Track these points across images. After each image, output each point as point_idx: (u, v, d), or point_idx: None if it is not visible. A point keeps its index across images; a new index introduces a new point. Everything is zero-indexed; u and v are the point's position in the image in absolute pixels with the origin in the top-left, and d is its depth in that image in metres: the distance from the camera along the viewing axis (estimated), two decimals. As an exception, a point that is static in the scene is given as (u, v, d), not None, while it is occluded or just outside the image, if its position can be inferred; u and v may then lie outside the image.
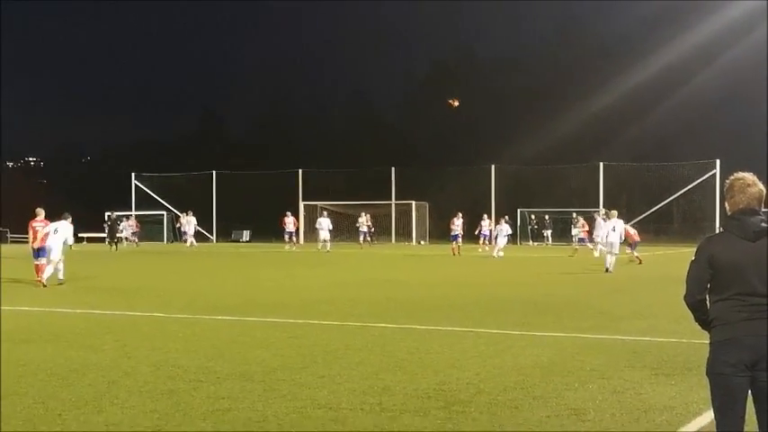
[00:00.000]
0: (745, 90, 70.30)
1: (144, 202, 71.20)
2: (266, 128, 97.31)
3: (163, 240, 68.48)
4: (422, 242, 61.76)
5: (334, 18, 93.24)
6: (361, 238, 54.80)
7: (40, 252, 24.68)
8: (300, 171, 66.77)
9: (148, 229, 69.29)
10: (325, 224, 51.07)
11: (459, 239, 44.78)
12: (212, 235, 67.66)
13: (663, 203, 60.20)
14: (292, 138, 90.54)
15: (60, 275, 24.10)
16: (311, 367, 10.56)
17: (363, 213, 56.51)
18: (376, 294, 20.57)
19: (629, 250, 35.89)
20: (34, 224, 25.31)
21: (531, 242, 61.01)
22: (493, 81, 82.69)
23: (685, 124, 71.46)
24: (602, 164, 61.60)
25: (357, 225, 56.04)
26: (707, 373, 5.43)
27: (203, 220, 64.88)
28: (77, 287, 23.32)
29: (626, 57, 75.09)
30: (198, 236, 62.22)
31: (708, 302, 5.43)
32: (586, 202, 62.81)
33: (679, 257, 41.68)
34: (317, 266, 34.26)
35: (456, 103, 65.09)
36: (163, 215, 69.89)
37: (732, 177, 5.51)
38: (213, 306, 17.73)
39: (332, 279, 26.94)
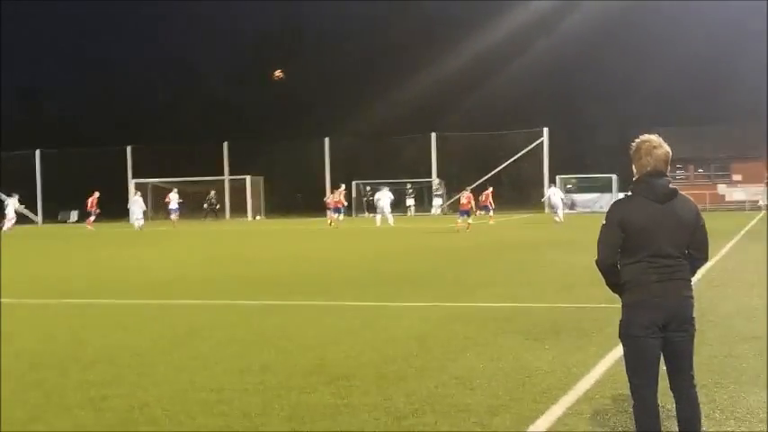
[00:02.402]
0: (573, 59, 72.68)
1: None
2: (88, 104, 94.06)
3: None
4: (257, 217, 61.21)
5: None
6: (172, 216, 53.23)
7: None
8: (129, 148, 65.11)
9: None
10: (138, 203, 50.25)
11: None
12: (38, 216, 65.19)
13: (493, 172, 61.38)
14: (118, 114, 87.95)
15: None
16: (180, 349, 10.23)
17: (174, 190, 55.00)
18: (227, 272, 20.20)
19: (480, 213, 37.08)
20: None
21: (366, 213, 61.32)
22: (323, 54, 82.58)
23: (514, 94, 73.06)
24: (434, 134, 62.50)
25: (166, 201, 54.29)
26: (620, 336, 5.45)
27: (27, 202, 62.41)
28: None
29: (456, 29, 76.15)
30: (22, 218, 59.76)
31: (619, 266, 5.42)
32: (419, 173, 63.75)
33: (512, 224, 42.87)
34: (152, 245, 33.41)
35: (280, 75, 64.23)
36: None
37: (638, 140, 5.50)
38: (59, 289, 17.00)
39: (175, 258, 26.39)
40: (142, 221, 48.72)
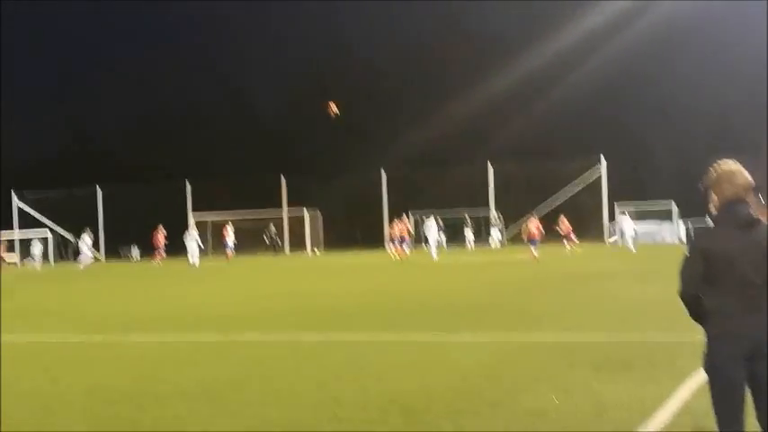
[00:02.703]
0: (625, 83, 72.06)
1: (22, 222, 69.11)
2: (143, 139, 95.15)
3: (48, 261, 66.49)
4: (316, 251, 61.45)
5: (207, 18, 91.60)
6: (228, 252, 53.73)
7: None
8: (188, 183, 65.83)
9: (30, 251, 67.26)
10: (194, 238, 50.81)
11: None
12: (101, 253, 66.01)
13: (549, 200, 61.07)
14: (173, 149, 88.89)
15: None
16: (250, 384, 10.30)
17: (229, 225, 55.63)
18: (291, 307, 20.26)
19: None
20: None
21: (424, 245, 61.22)
22: (372, 82, 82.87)
23: (567, 119, 72.67)
24: (491, 166, 62.36)
25: (223, 235, 55.03)
26: (704, 368, 5.39)
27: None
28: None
29: (504, 53, 75.96)
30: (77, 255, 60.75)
31: (702, 296, 5.37)
32: (475, 202, 63.57)
33: (569, 257, 42.53)
34: (214, 281, 33.71)
35: (334, 110, 64.69)
36: (47, 236, 67.63)
37: (718, 167, 5.46)
38: (126, 326, 17.19)
39: (240, 293, 26.56)
40: (197, 258, 49.04)
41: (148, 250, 62.70)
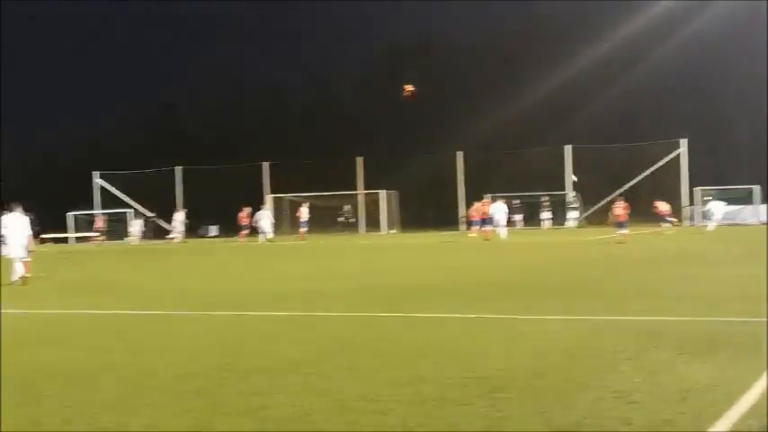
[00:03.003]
0: (706, 64, 70.65)
1: (107, 200, 70.62)
2: (222, 120, 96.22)
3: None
4: (391, 231, 61.62)
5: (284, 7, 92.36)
6: (301, 230, 55.13)
7: None
8: (267, 164, 66.37)
9: (114, 228, 68.74)
10: (265, 215, 52.26)
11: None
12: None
13: (629, 184, 60.39)
14: (251, 130, 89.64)
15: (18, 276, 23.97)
16: (333, 360, 10.35)
17: (305, 205, 57.03)
18: (369, 284, 20.39)
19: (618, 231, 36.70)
20: None
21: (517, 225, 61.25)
22: (454, 66, 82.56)
23: (647, 101, 71.66)
24: (567, 147, 61.78)
25: (298, 215, 56.63)
26: None
27: (167, 218, 64.30)
28: (61, 287, 22.99)
29: (582, 34, 74.99)
30: (163, 232, 61.83)
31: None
32: (552, 185, 63.16)
33: (653, 237, 42.08)
34: (291, 259, 34.05)
35: (411, 91, 64.73)
36: (125, 213, 69.19)
37: None
38: (208, 301, 17.43)
39: (316, 270, 26.79)
40: (270, 234, 50.22)
41: (226, 229, 63.64)
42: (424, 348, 10.89)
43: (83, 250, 52.19)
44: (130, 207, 69.57)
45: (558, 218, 61.79)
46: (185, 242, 55.78)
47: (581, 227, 58.04)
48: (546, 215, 61.37)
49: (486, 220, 45.35)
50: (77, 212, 71.39)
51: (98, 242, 60.97)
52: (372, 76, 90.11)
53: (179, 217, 57.77)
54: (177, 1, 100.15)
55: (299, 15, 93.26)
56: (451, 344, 11.18)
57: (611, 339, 11.10)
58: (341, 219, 62.24)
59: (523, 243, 40.07)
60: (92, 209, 70.87)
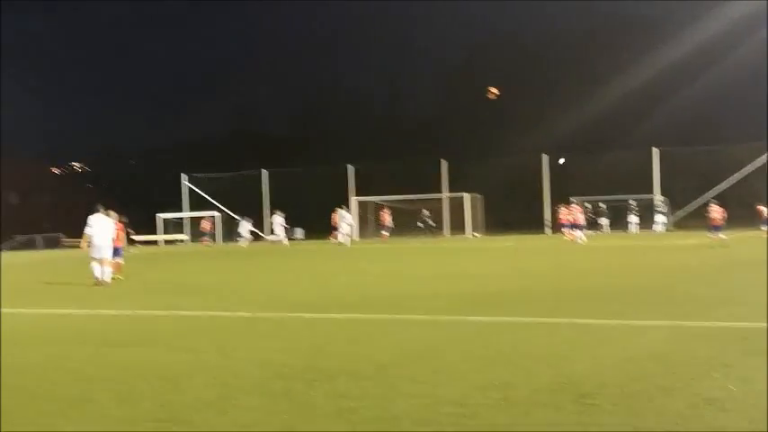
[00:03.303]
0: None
1: (194, 203, 71.77)
2: (305, 123, 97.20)
3: (216, 240, 68.88)
4: (475, 234, 61.43)
5: (365, 7, 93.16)
6: (384, 233, 55.87)
7: (117, 251, 26.39)
8: (351, 167, 66.68)
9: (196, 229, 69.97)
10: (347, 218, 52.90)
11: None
12: (264, 234, 67.63)
13: (719, 187, 59.33)
14: (333, 132, 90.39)
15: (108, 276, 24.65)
16: (419, 363, 10.35)
17: (385, 208, 58.04)
18: (453, 288, 20.34)
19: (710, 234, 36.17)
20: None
21: (588, 231, 60.41)
22: (532, 67, 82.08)
23: (731, 102, 70.30)
24: (655, 149, 60.90)
25: (382, 220, 57.55)
26: None
27: (255, 220, 65.03)
28: (150, 288, 23.39)
29: (667, 32, 73.89)
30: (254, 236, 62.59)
31: None
32: (638, 188, 62.36)
33: (742, 242, 41.20)
34: (374, 261, 34.18)
35: (495, 92, 64.65)
36: (214, 216, 70.27)
37: None
38: (294, 303, 17.57)
39: (400, 273, 26.84)
40: (341, 237, 50.68)
41: (312, 232, 64.18)
42: (510, 353, 10.83)
43: (184, 251, 53.04)
44: (217, 210, 70.57)
45: (646, 222, 60.91)
46: (283, 244, 56.54)
47: (669, 231, 57.10)
48: (634, 219, 60.54)
49: (575, 224, 44.97)
50: (166, 215, 72.69)
51: (207, 243, 61.91)
52: (456, 80, 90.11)
53: (278, 220, 58.66)
54: (261, 14, 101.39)
55: (381, 20, 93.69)
56: (539, 349, 11.08)
57: (702, 345, 10.92)
58: (420, 224, 62.32)
59: (610, 247, 39.63)
60: (180, 211, 72.06)
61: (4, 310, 18.41)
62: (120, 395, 8.99)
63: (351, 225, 54.71)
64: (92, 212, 25.58)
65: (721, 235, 36.37)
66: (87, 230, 25.05)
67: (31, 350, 12.42)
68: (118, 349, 12.22)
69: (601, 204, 62.02)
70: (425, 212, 62.73)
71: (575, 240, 42.87)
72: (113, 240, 26.14)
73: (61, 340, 13.39)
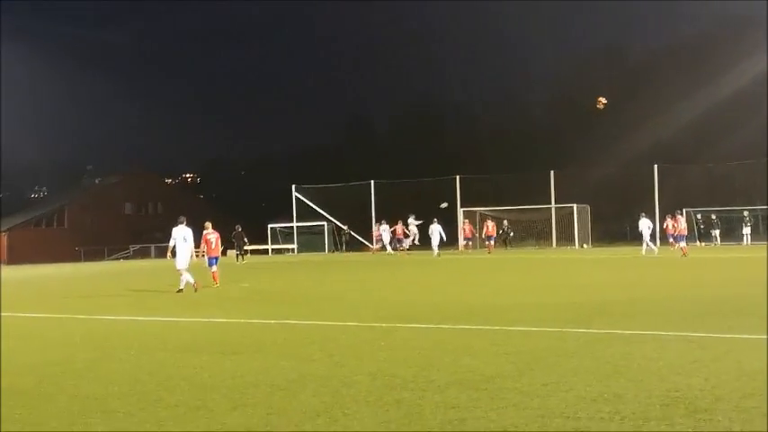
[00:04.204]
0: None
1: (303, 213, 72.57)
2: (414, 134, 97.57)
3: (324, 250, 69.59)
4: (585, 246, 60.74)
5: (475, 19, 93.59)
6: (488, 243, 57.09)
7: (212, 260, 27.91)
8: (458, 177, 66.57)
9: (309, 240, 70.84)
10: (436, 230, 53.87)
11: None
12: (372, 244, 67.94)
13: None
14: (442, 143, 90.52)
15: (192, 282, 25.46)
16: (528, 374, 10.30)
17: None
18: (560, 299, 20.17)
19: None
20: (208, 236, 28.52)
21: (698, 242, 59.15)
22: (643, 79, 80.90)
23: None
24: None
25: (485, 230, 58.28)
26: None
27: (363, 230, 65.47)
28: (260, 297, 23.79)
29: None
30: (357, 245, 63.04)
31: None
32: (751, 200, 60.87)
33: None
34: (480, 272, 34.09)
35: (603, 101, 63.96)
36: (323, 226, 71.07)
37: None
38: (402, 314, 17.64)
39: (505, 284, 26.76)
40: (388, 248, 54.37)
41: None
42: (621, 366, 10.68)
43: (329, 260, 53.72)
44: (325, 220, 71.35)
45: (759, 233, 59.29)
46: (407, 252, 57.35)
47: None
48: (747, 230, 59.04)
49: (677, 236, 44.10)
50: (277, 225, 73.80)
51: (375, 251, 62.45)
52: (566, 91, 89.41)
53: (413, 221, 60.01)
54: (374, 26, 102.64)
55: (490, 32, 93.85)
56: (650, 362, 10.90)
57: (821, 361, 10.59)
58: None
59: (719, 259, 38.79)
60: (291, 221, 73.01)
61: (122, 317, 18.95)
62: (234, 402, 9.18)
63: (415, 234, 56.07)
64: (176, 224, 26.46)
65: None
66: (171, 242, 25.91)
67: (145, 357, 12.75)
68: (231, 357, 12.47)
69: (713, 216, 60.69)
70: (505, 223, 62.43)
71: (684, 252, 42.00)
72: (211, 250, 27.30)
73: (175, 347, 13.72)
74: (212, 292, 25.93)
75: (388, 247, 59.57)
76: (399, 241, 60.19)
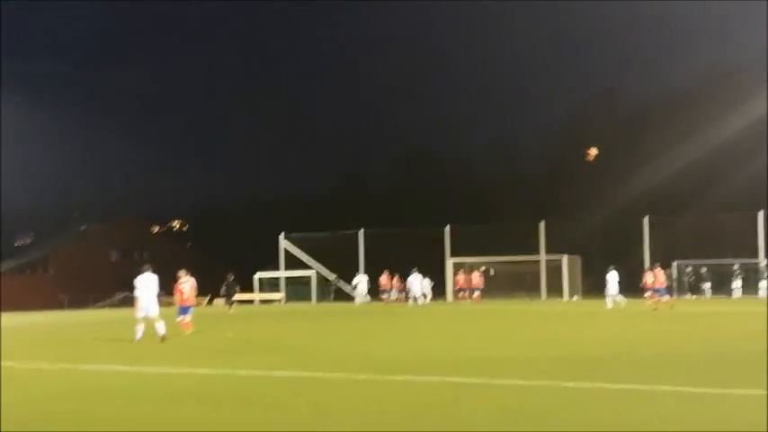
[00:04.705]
0: None
1: (291, 262, 72.42)
2: (406, 184, 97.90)
3: (311, 300, 69.36)
4: (574, 297, 60.61)
5: (465, 66, 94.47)
6: (475, 294, 58.66)
7: (184, 309, 28.47)
8: (448, 227, 66.62)
9: (295, 290, 70.65)
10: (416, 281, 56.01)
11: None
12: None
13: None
14: (434, 192, 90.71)
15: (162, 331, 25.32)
16: (516, 429, 10.17)
17: (476, 270, 59.67)
18: (550, 352, 20.04)
19: None
20: (180, 285, 29.11)
21: (689, 295, 59.16)
22: (634, 128, 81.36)
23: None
24: (761, 212, 59.52)
25: (470, 280, 59.02)
26: None
27: (350, 280, 65.31)
28: (248, 347, 23.59)
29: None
30: (344, 295, 62.89)
31: None
32: (742, 253, 60.94)
33: None
34: (468, 323, 33.96)
35: (593, 153, 64.57)
36: (311, 276, 70.87)
37: None
38: (389, 366, 17.47)
39: (495, 336, 26.64)
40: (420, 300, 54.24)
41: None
42: (611, 422, 10.57)
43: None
44: (312, 268, 71.23)
45: (750, 287, 59.23)
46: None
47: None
48: (737, 284, 59.00)
49: (660, 289, 43.86)
50: (263, 273, 73.56)
51: (387, 301, 61.53)
52: (555, 139, 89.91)
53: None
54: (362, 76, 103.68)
55: (477, 79, 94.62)
56: (640, 417, 10.78)
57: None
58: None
59: (708, 312, 38.74)
60: (276, 270, 72.86)
61: (104, 367, 18.73)
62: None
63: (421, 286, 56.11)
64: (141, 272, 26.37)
65: None
66: (136, 292, 25.72)
67: (129, 409, 12.55)
68: (217, 409, 12.29)
69: (703, 269, 60.75)
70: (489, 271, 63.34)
71: (670, 304, 41.96)
72: (183, 299, 27.40)
73: (160, 399, 13.52)
74: (194, 341, 25.70)
75: (420, 299, 58.15)
76: (383, 292, 60.26)
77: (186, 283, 28.94)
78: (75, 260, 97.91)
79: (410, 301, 52.73)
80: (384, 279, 60.80)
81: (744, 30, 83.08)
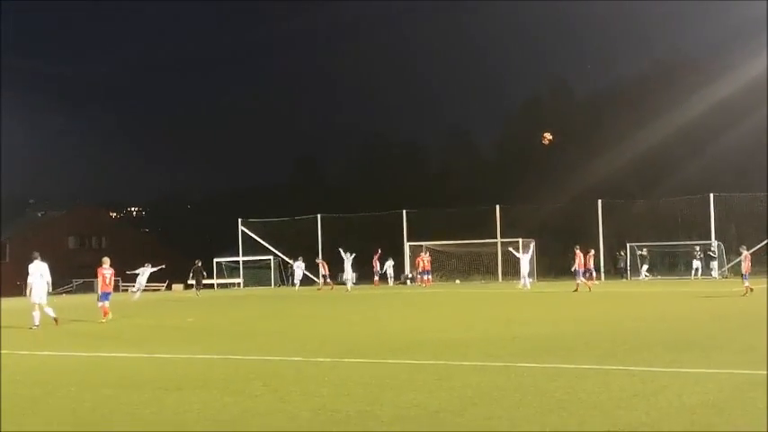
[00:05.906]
0: None
1: (250, 247, 72.23)
2: (363, 170, 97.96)
3: (270, 284, 69.32)
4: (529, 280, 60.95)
5: (426, 55, 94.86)
6: (425, 277, 58.69)
7: (104, 296, 28.71)
8: (405, 212, 66.86)
9: (255, 275, 70.61)
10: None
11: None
12: (319, 279, 67.73)
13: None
14: (390, 178, 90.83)
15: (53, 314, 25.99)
16: (472, 409, 10.33)
17: (423, 253, 59.77)
18: (506, 333, 20.28)
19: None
20: (103, 270, 29.22)
21: (644, 275, 59.97)
22: (590, 114, 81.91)
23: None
24: (712, 195, 60.18)
25: (418, 263, 59.42)
26: None
27: (309, 265, 65.21)
28: (207, 332, 23.61)
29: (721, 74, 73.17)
30: (305, 280, 62.82)
31: None
32: (694, 235, 61.66)
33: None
34: (422, 307, 34.12)
35: (549, 137, 64.87)
36: (269, 260, 70.80)
37: None
38: (346, 349, 17.63)
39: (450, 319, 26.81)
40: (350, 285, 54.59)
41: (365, 277, 64.29)
42: (564, 400, 10.74)
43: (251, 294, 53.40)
44: (271, 254, 71.11)
45: (702, 268, 59.83)
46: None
47: (725, 278, 56.20)
48: (696, 264, 59.51)
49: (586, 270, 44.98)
50: (224, 259, 73.49)
51: (323, 286, 61.20)
52: (512, 127, 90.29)
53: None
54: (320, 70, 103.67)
55: (441, 72, 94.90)
56: (592, 396, 10.98)
57: (760, 395, 10.70)
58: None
59: (658, 293, 39.24)
60: (236, 255, 72.71)
61: (60, 352, 18.70)
62: (175, 438, 9.11)
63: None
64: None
65: (745, 283, 35.54)
66: (29, 279, 25.84)
67: (87, 393, 12.55)
68: (173, 393, 12.34)
69: (639, 251, 61.43)
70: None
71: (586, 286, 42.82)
72: (104, 285, 27.41)
73: (117, 383, 13.53)
74: (151, 325, 25.72)
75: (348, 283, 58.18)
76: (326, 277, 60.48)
77: (108, 270, 29.02)
78: (32, 247, 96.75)
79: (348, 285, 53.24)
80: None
81: (699, 20, 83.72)
